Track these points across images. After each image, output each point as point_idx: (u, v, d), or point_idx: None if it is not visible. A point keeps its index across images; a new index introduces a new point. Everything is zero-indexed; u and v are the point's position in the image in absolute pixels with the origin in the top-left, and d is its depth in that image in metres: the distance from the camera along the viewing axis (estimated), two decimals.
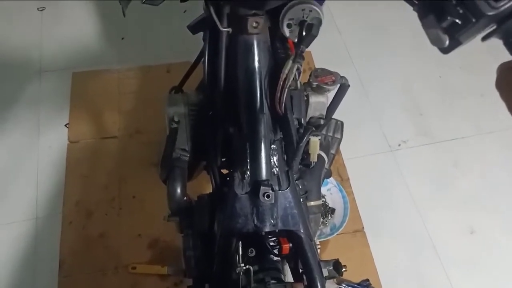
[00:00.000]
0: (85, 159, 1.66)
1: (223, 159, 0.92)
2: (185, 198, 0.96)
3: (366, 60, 1.96)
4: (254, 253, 0.88)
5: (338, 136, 0.95)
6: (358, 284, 1.46)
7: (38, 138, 1.69)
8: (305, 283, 0.88)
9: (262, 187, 0.79)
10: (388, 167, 1.73)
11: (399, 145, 1.77)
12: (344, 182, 1.64)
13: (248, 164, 0.83)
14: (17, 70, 1.86)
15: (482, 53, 1.76)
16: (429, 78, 1.96)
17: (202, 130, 0.92)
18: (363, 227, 1.58)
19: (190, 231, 0.96)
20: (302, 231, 0.85)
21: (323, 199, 1.51)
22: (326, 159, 0.95)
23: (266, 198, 0.79)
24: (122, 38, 1.98)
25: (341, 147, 1.45)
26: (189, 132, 0.94)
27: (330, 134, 0.92)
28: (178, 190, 0.94)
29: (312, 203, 0.93)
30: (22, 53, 1.90)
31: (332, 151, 0.95)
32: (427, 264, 1.55)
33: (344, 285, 1.43)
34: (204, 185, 1.10)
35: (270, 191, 0.79)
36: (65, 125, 1.72)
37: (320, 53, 1.82)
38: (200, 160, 1.01)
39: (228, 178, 0.93)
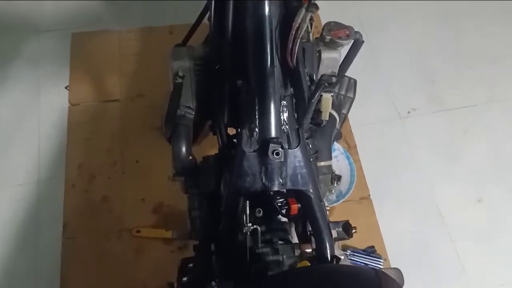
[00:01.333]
0: (87, 122, 1.62)
1: (230, 117, 0.88)
2: (190, 157, 0.93)
3: (377, 26, 1.89)
4: (261, 213, 0.85)
5: (351, 95, 0.91)
6: (363, 250, 1.44)
7: (38, 100, 1.65)
8: (314, 245, 0.86)
9: (271, 145, 0.76)
10: (397, 134, 1.69)
11: (409, 112, 1.73)
12: (351, 149, 1.61)
13: (257, 120, 0.79)
14: (16, 30, 1.80)
15: (496, 17, 1.69)
16: (442, 45, 1.90)
17: (208, 86, 0.88)
18: (369, 195, 1.56)
19: (195, 191, 0.93)
20: (311, 191, 0.82)
21: None
22: (338, 119, 0.91)
23: (275, 156, 0.76)
24: None
25: (348, 114, 1.41)
26: (194, 88, 0.90)
27: (342, 92, 0.87)
28: (183, 149, 0.91)
29: (322, 163, 0.90)
30: (20, 13, 1.84)
31: (344, 111, 0.92)
32: (433, 232, 1.53)
33: (349, 251, 1.42)
34: (208, 151, 1.07)
35: (280, 149, 0.76)
36: (66, 87, 1.68)
37: (330, 18, 1.75)
38: (206, 119, 0.98)
39: (235, 140, 0.90)
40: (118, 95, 1.69)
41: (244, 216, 0.82)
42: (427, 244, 1.51)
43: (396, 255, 1.45)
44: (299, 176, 0.81)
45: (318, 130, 0.89)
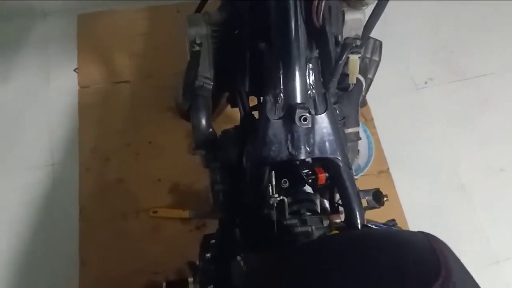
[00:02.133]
0: (98, 104, 1.59)
1: (252, 85, 0.84)
2: (210, 129, 0.90)
3: None
4: (287, 184, 0.82)
5: (376, 58, 0.87)
6: (384, 224, 1.41)
7: (48, 84, 1.62)
8: (342, 215, 0.83)
9: (298, 110, 0.73)
10: (414, 106, 1.65)
11: (426, 83, 1.68)
12: (368, 122, 1.57)
13: (282, 85, 0.75)
14: (21, 13, 1.76)
15: None
16: (459, 14, 1.83)
17: (227, 54, 0.85)
18: (388, 168, 1.52)
19: (217, 164, 0.90)
20: (340, 158, 0.79)
21: None
22: (364, 83, 0.88)
23: (303, 122, 0.72)
24: None
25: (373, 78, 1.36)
26: (212, 57, 0.87)
27: (368, 55, 0.84)
28: (203, 121, 0.88)
29: (350, 130, 0.86)
30: None
31: (370, 75, 0.88)
32: (455, 204, 1.50)
33: (369, 225, 1.39)
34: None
35: (307, 114, 0.72)
36: (74, 70, 1.64)
37: None
38: (224, 89, 0.94)
39: (256, 112, 0.86)
40: (128, 76, 1.66)
41: (270, 187, 0.79)
42: (449, 216, 1.47)
43: (418, 228, 1.42)
44: (327, 143, 0.78)
45: (344, 95, 0.85)
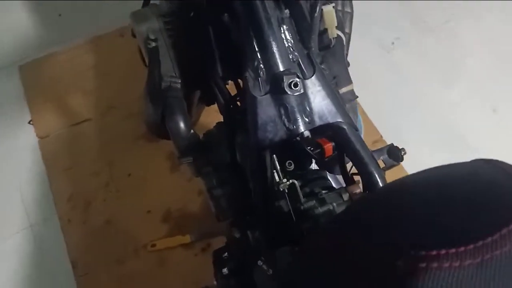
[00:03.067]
0: (63, 151, 1.47)
1: (225, 68, 0.75)
2: (192, 131, 0.80)
3: None
4: (292, 166, 0.73)
5: (348, 9, 0.80)
6: None
7: (5, 143, 1.49)
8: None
9: (285, 77, 0.64)
10: (388, 68, 1.60)
11: (393, 43, 1.63)
12: None
13: (259, 56, 0.66)
14: None
15: None
16: None
17: (187, 42, 0.75)
18: (381, 136, 1.45)
19: (209, 168, 0.80)
20: (343, 121, 0.70)
21: None
22: (344, 38, 0.80)
23: (294, 88, 0.63)
24: (59, 15, 1.76)
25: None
26: (172, 52, 0.77)
27: (339, 8, 0.76)
28: (181, 124, 0.78)
29: (344, 89, 0.78)
30: None
31: (347, 30, 0.80)
32: (458, 156, 1.43)
33: None
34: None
35: (296, 79, 0.64)
36: (29, 122, 1.52)
37: None
38: (194, 87, 0.85)
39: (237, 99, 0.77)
40: (87, 114, 1.54)
41: (276, 173, 0.69)
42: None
43: None
44: (324, 108, 0.69)
45: (327, 53, 0.77)
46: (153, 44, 0.73)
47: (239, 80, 0.74)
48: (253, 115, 0.67)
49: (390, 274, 0.32)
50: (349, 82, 0.79)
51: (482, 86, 1.54)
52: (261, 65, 0.66)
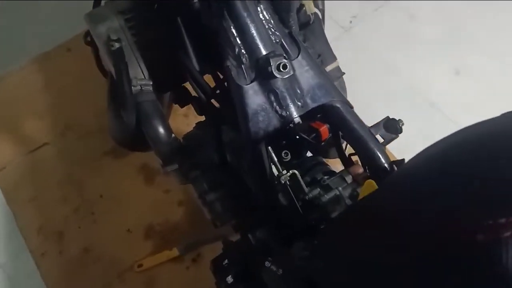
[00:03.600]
0: (24, 181, 1.35)
1: (201, 61, 0.68)
2: (173, 135, 0.73)
3: None
4: (289, 156, 0.68)
5: None
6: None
7: None
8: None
9: (272, 60, 0.58)
10: (351, 48, 1.58)
11: (351, 22, 1.62)
12: None
13: (239, 42, 0.61)
14: None
15: None
16: None
17: (154, 39, 0.69)
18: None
19: (197, 172, 0.74)
20: (336, 99, 0.66)
21: None
22: (320, 15, 0.75)
23: (283, 70, 0.58)
24: None
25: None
26: (138, 52, 0.70)
27: None
28: (161, 129, 0.71)
29: (330, 66, 0.74)
30: None
31: (320, 6, 0.76)
32: (430, 119, 1.44)
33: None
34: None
35: (284, 60, 0.58)
36: None
37: None
38: (167, 88, 0.78)
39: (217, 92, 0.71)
40: (44, 138, 1.43)
41: (274, 165, 0.64)
42: (429, 134, 1.41)
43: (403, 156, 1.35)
44: (315, 88, 0.64)
45: (307, 31, 0.72)
46: (117, 45, 0.65)
47: (218, 73, 0.68)
48: (241, 106, 0.61)
49: (470, 249, 0.28)
50: (334, 58, 0.74)
51: (443, 51, 1.55)
52: (242, 51, 0.60)
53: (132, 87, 0.71)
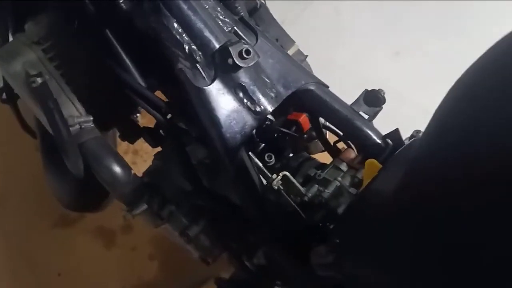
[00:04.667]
0: None
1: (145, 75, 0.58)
2: (131, 171, 0.61)
3: None
4: (273, 159, 0.59)
5: None
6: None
7: None
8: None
9: (231, 48, 0.50)
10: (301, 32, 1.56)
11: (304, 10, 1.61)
12: None
13: (186, 37, 0.51)
14: None
15: None
16: None
17: (82, 63, 0.58)
18: None
19: (171, 207, 0.62)
20: (309, 81, 0.58)
21: None
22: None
23: (246, 56, 0.50)
24: None
25: None
26: (66, 84, 0.59)
27: None
28: (116, 168, 0.59)
29: (290, 51, 0.66)
30: None
31: None
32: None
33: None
34: None
35: (245, 45, 0.50)
36: None
37: None
38: (109, 122, 0.66)
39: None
40: None
41: (260, 172, 0.55)
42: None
43: None
44: (284, 73, 0.57)
45: (256, 16, 0.65)
46: (39, 80, 0.54)
47: (170, 85, 0.58)
48: (208, 112, 0.52)
49: None
50: (292, 42, 0.67)
51: (378, 38, 1.56)
52: (193, 47, 0.51)
53: (70, 129, 0.59)
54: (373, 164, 0.57)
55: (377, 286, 0.42)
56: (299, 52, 0.67)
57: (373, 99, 0.62)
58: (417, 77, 1.48)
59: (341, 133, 0.65)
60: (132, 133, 0.73)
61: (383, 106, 0.63)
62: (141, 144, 0.82)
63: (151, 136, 0.73)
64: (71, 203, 0.83)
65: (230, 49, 0.49)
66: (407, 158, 0.41)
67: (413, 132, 0.58)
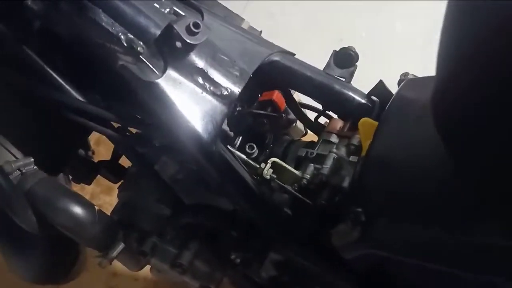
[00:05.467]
0: None
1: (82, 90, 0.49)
2: (96, 207, 0.51)
3: None
4: (255, 149, 0.52)
5: None
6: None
7: None
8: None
9: (176, 26, 0.42)
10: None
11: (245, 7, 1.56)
12: None
13: (121, 29, 0.43)
14: None
15: None
16: None
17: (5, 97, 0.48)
18: None
19: (154, 239, 0.53)
20: (272, 51, 0.51)
21: None
22: None
23: (195, 29, 0.42)
24: None
25: None
26: None
27: None
28: (76, 208, 0.49)
29: (242, 26, 0.59)
30: None
31: None
32: None
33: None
34: None
35: (190, 19, 0.42)
36: None
37: None
38: (56, 164, 0.56)
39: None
40: None
41: (246, 164, 0.47)
42: None
43: None
44: (244, 49, 0.49)
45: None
46: None
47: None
48: (167, 108, 0.43)
49: None
50: (241, 18, 0.60)
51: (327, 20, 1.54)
52: (130, 37, 0.43)
53: (9, 178, 0.48)
54: (367, 123, 0.51)
55: (418, 240, 0.34)
56: (251, 28, 0.60)
57: (345, 59, 0.56)
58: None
59: (321, 107, 0.59)
60: (85, 172, 0.63)
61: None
62: None
63: (110, 169, 0.64)
64: (35, 275, 0.70)
65: (175, 26, 0.42)
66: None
67: (401, 76, 0.52)
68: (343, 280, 0.45)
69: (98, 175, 0.65)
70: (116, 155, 0.64)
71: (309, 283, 0.50)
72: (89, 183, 0.65)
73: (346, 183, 0.47)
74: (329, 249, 0.43)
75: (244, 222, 0.48)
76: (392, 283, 0.43)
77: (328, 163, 0.49)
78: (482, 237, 0.30)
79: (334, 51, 0.57)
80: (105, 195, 1.16)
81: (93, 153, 0.68)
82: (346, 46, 0.57)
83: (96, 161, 0.64)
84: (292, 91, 0.57)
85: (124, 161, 0.66)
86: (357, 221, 0.38)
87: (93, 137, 1.06)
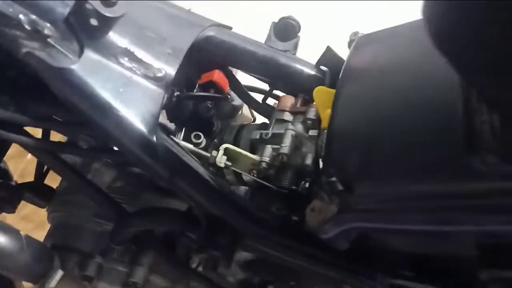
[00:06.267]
0: None
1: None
2: (22, 233, 0.42)
3: None
4: (202, 138, 0.46)
5: None
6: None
7: None
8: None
9: (84, 3, 0.35)
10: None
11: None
12: None
13: (20, 8, 0.36)
14: None
15: None
16: None
17: None
18: None
19: (96, 258, 0.45)
20: (206, 25, 0.46)
21: None
22: None
23: (109, 8, 0.35)
24: None
25: None
26: None
27: None
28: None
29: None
30: None
31: None
32: None
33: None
34: None
35: None
36: None
37: None
38: None
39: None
40: None
41: (194, 154, 0.41)
42: None
43: None
44: (174, 25, 0.43)
45: None
46: None
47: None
48: (90, 98, 0.36)
49: None
50: None
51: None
52: (33, 18, 0.35)
53: None
54: (322, 91, 0.46)
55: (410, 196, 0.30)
56: (180, 7, 0.54)
57: (286, 30, 0.51)
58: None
59: (267, 88, 0.54)
60: (7, 198, 0.54)
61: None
62: None
63: (35, 192, 0.55)
64: None
65: (83, 4, 0.35)
66: None
67: (350, 36, 0.48)
68: (323, 266, 0.40)
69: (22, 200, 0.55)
70: (41, 174, 0.55)
71: (284, 278, 0.45)
72: (12, 211, 0.56)
73: (309, 160, 0.42)
74: (303, 233, 0.38)
75: (202, 220, 0.41)
76: (375, 256, 0.38)
77: (287, 141, 0.44)
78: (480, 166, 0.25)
79: (273, 22, 0.52)
80: (40, 230, 1.04)
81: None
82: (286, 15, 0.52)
83: (16, 183, 0.55)
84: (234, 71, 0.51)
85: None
86: (334, 192, 0.32)
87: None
